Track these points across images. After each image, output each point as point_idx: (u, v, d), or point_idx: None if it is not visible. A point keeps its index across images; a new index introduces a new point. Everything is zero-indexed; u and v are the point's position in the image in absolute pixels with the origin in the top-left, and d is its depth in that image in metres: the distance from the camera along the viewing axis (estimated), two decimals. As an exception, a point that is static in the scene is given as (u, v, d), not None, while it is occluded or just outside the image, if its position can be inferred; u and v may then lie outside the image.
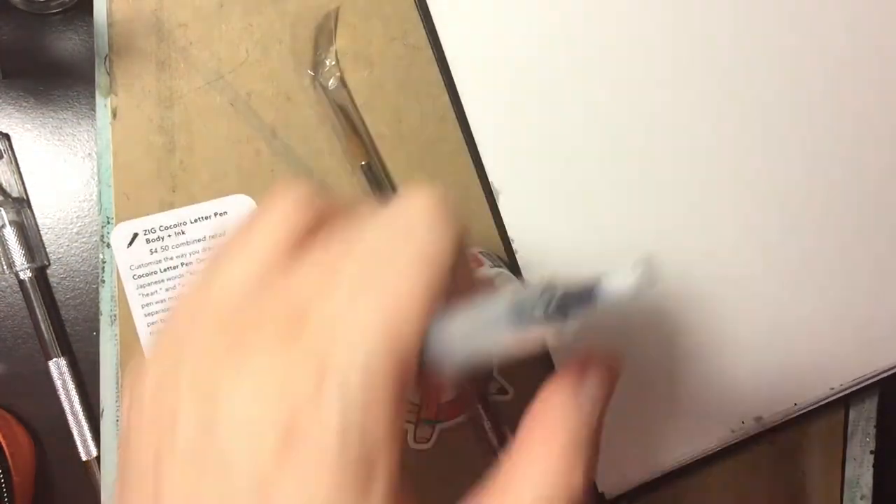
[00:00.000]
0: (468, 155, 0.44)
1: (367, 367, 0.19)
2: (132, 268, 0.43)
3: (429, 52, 0.43)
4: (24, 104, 0.44)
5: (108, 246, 0.43)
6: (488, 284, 0.21)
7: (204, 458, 0.19)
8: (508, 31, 0.42)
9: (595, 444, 0.22)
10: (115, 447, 0.44)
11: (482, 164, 0.43)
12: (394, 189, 0.45)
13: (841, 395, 0.46)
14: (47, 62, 0.44)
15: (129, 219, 0.43)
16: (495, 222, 0.44)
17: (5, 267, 0.43)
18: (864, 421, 0.48)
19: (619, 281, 0.18)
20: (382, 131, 0.45)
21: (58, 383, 0.44)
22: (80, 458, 0.44)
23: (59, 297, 0.44)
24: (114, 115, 0.43)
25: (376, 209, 0.22)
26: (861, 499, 0.49)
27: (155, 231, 0.44)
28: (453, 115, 0.43)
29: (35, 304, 0.44)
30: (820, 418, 0.48)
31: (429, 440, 0.48)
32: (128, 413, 0.22)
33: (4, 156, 0.43)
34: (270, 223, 0.22)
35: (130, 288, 0.44)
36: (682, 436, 0.45)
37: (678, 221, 0.45)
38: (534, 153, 0.43)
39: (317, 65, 0.44)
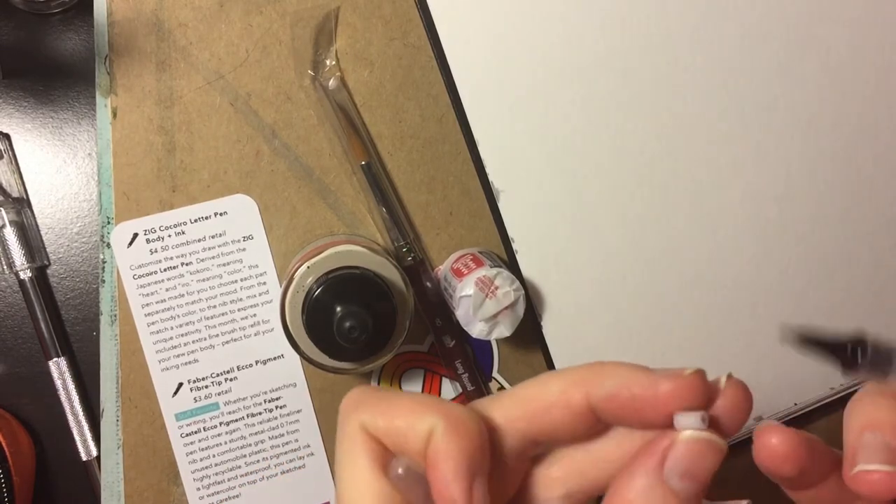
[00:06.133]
0: (468, 155, 0.44)
1: None
2: (132, 268, 0.43)
3: (429, 52, 0.43)
4: (24, 104, 0.44)
5: (108, 246, 0.43)
6: None
7: None
8: (508, 32, 0.42)
9: None
10: (115, 447, 0.44)
11: (482, 164, 0.43)
12: (394, 189, 0.45)
13: (841, 395, 0.46)
14: (47, 62, 0.44)
15: (129, 219, 0.43)
16: (495, 222, 0.44)
17: (5, 267, 0.43)
18: (864, 421, 0.48)
19: None
20: (382, 131, 0.45)
21: (58, 383, 0.44)
22: (80, 458, 0.44)
23: (59, 297, 0.44)
24: (114, 115, 0.43)
25: None
26: (861, 499, 0.49)
27: (155, 231, 0.44)
28: (453, 115, 0.43)
29: (35, 304, 0.44)
30: (820, 418, 0.48)
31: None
32: None
33: (4, 156, 0.43)
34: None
35: (130, 288, 0.44)
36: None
37: (678, 221, 0.45)
38: (534, 153, 0.43)
39: (317, 65, 0.44)
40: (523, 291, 0.42)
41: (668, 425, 0.21)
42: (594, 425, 0.23)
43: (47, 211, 0.44)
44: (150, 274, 0.44)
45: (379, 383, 0.47)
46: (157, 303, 0.44)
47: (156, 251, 0.44)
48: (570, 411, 0.22)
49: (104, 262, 0.44)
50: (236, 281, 0.44)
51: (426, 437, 0.21)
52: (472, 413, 0.22)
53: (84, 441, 0.44)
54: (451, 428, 0.21)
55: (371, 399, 0.23)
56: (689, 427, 0.21)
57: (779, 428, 0.23)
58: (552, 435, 0.23)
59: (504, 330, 0.42)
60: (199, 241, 0.44)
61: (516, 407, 0.23)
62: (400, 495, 0.22)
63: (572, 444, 0.24)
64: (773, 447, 0.22)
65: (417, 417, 0.21)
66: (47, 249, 0.44)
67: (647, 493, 0.21)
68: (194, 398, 0.45)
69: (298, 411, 0.46)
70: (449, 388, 0.47)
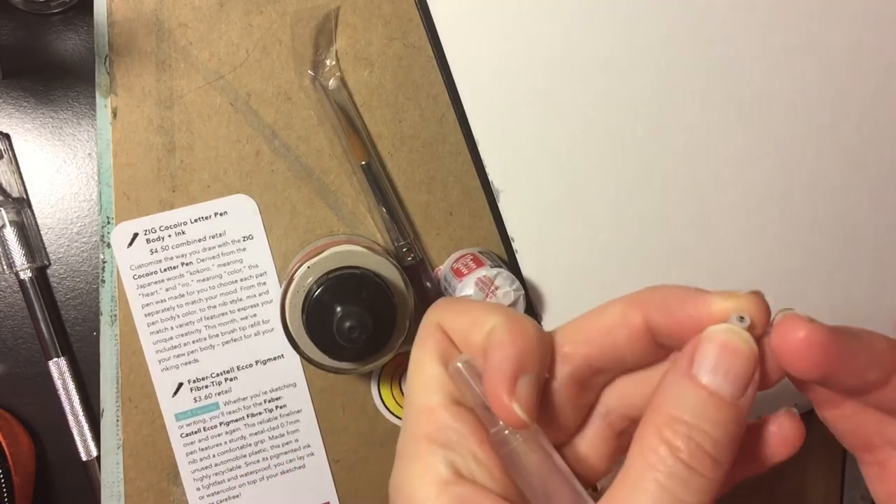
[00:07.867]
0: (468, 155, 0.44)
1: None
2: (132, 268, 0.43)
3: (429, 52, 0.43)
4: (24, 104, 0.44)
5: (109, 246, 0.43)
6: None
7: None
8: (508, 32, 0.42)
9: None
10: (115, 447, 0.44)
11: (482, 164, 0.43)
12: (394, 189, 0.45)
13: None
14: (47, 62, 0.44)
15: (129, 219, 0.43)
16: (495, 222, 0.44)
17: (5, 267, 0.43)
18: (864, 421, 0.48)
19: None
20: (382, 131, 0.45)
21: (58, 383, 0.44)
22: (80, 458, 0.44)
23: (59, 297, 0.44)
24: (114, 115, 0.43)
25: None
26: (861, 499, 0.49)
27: (155, 231, 0.44)
28: (453, 115, 0.43)
29: (35, 304, 0.44)
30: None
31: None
32: None
33: (4, 156, 0.43)
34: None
35: (130, 288, 0.44)
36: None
37: (677, 221, 0.45)
38: (534, 153, 0.43)
39: (317, 65, 0.44)
40: (523, 291, 0.42)
41: None
42: (651, 350, 0.23)
43: (47, 211, 0.44)
44: (150, 274, 0.44)
45: (379, 383, 0.46)
46: (157, 303, 0.44)
47: (156, 251, 0.44)
48: (629, 332, 0.23)
49: (104, 262, 0.44)
50: (236, 281, 0.44)
51: (488, 334, 0.23)
52: (533, 321, 0.23)
53: (84, 441, 0.44)
54: (510, 326, 0.22)
55: (451, 302, 0.25)
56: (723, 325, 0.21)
57: (804, 321, 0.20)
58: (612, 359, 0.23)
59: (504, 330, 0.42)
60: (199, 241, 0.44)
61: (578, 331, 0.24)
62: (454, 386, 0.23)
63: (629, 374, 0.24)
64: (796, 342, 0.20)
65: (484, 316, 0.23)
66: (47, 249, 0.44)
67: (679, 390, 0.20)
68: (194, 398, 0.45)
69: (298, 411, 0.46)
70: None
